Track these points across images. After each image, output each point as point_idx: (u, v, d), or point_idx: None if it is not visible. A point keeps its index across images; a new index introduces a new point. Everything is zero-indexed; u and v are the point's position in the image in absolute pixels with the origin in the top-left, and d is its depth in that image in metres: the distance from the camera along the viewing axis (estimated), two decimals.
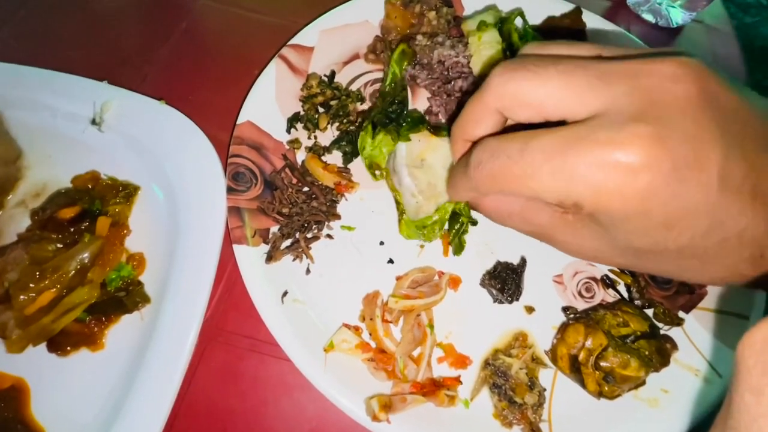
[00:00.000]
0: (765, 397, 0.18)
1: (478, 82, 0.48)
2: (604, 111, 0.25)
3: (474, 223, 0.45)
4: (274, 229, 0.46)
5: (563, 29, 0.54)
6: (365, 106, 0.52)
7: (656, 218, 0.25)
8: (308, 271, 0.45)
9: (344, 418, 0.40)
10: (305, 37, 0.53)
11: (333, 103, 0.51)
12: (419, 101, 0.52)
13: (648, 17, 0.61)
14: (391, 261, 0.46)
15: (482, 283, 0.45)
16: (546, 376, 0.42)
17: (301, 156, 0.50)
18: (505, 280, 0.45)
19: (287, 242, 0.45)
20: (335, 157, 0.50)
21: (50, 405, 0.41)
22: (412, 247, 0.46)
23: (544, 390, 0.42)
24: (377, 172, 0.46)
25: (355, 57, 0.54)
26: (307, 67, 0.53)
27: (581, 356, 0.40)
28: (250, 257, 0.44)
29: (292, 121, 0.50)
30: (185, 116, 0.49)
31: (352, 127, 0.50)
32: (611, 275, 0.46)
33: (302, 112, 0.51)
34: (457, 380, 0.42)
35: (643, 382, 0.40)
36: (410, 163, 0.43)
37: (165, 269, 0.44)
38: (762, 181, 0.24)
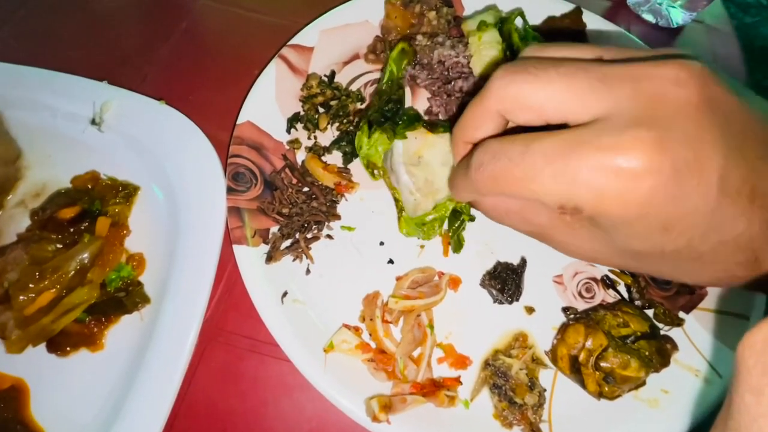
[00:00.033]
0: (765, 397, 0.18)
1: (479, 82, 0.48)
2: (606, 114, 0.25)
3: (472, 219, 0.45)
4: (274, 229, 0.46)
5: (563, 29, 0.54)
6: (365, 106, 0.52)
7: (655, 222, 0.25)
8: (308, 271, 0.45)
9: (344, 418, 0.39)
10: (305, 37, 0.53)
11: (333, 103, 0.51)
12: (419, 101, 0.52)
13: (648, 17, 0.61)
14: (391, 261, 0.46)
15: (482, 284, 0.45)
16: (546, 376, 0.42)
17: (301, 156, 0.50)
18: (505, 281, 0.45)
19: (287, 242, 0.45)
20: (335, 158, 0.50)
21: (50, 405, 0.41)
22: (412, 248, 0.46)
23: (545, 390, 0.42)
24: (375, 172, 0.46)
25: (355, 57, 0.54)
26: (307, 67, 0.53)
27: (581, 357, 0.40)
28: (249, 257, 0.44)
29: (292, 121, 0.50)
30: (185, 116, 0.49)
31: (351, 128, 0.50)
32: (611, 276, 0.46)
33: (302, 112, 0.51)
34: (457, 381, 0.42)
35: (644, 383, 0.40)
36: (407, 160, 0.43)
37: (165, 269, 0.44)
38: (760, 184, 0.24)
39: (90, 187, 0.48)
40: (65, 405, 0.41)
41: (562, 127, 0.27)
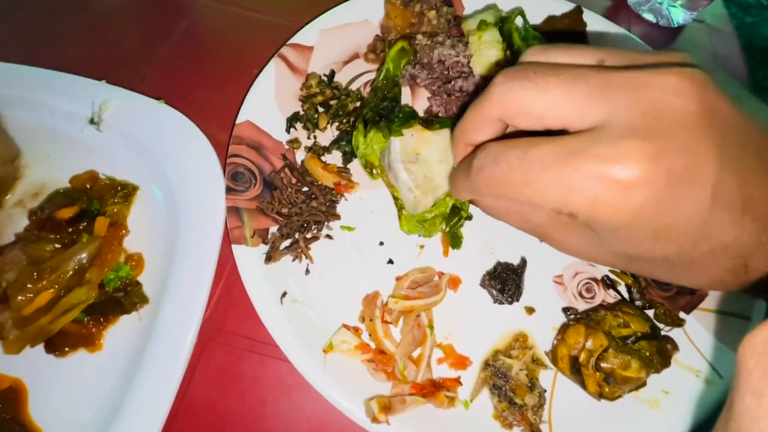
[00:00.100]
0: (766, 399, 0.18)
1: (479, 81, 0.48)
2: (604, 123, 0.25)
3: (469, 218, 0.45)
4: (274, 229, 0.46)
5: (564, 29, 0.54)
6: (360, 104, 0.52)
7: (645, 229, 0.26)
8: (307, 271, 0.45)
9: (343, 419, 0.39)
10: (305, 36, 0.53)
11: (333, 102, 0.51)
12: (419, 101, 0.52)
13: (649, 17, 0.61)
14: (390, 261, 0.46)
15: (482, 284, 0.45)
16: (546, 377, 0.42)
17: (300, 156, 0.50)
18: (505, 281, 0.45)
19: (286, 242, 0.45)
20: (335, 157, 0.50)
21: (48, 406, 0.40)
22: (412, 248, 0.46)
23: (545, 391, 0.41)
24: (374, 171, 0.46)
25: (355, 56, 0.54)
26: (307, 67, 0.53)
27: (582, 357, 0.39)
28: (249, 257, 0.44)
29: (292, 120, 0.50)
30: (184, 116, 0.49)
31: (351, 127, 0.50)
32: (612, 276, 0.46)
33: (302, 112, 0.51)
34: (457, 381, 0.42)
35: (644, 383, 0.40)
36: (405, 158, 0.42)
37: (164, 269, 0.44)
38: (754, 195, 0.25)
39: (89, 186, 0.48)
40: (63, 405, 0.40)
41: (563, 132, 0.27)
